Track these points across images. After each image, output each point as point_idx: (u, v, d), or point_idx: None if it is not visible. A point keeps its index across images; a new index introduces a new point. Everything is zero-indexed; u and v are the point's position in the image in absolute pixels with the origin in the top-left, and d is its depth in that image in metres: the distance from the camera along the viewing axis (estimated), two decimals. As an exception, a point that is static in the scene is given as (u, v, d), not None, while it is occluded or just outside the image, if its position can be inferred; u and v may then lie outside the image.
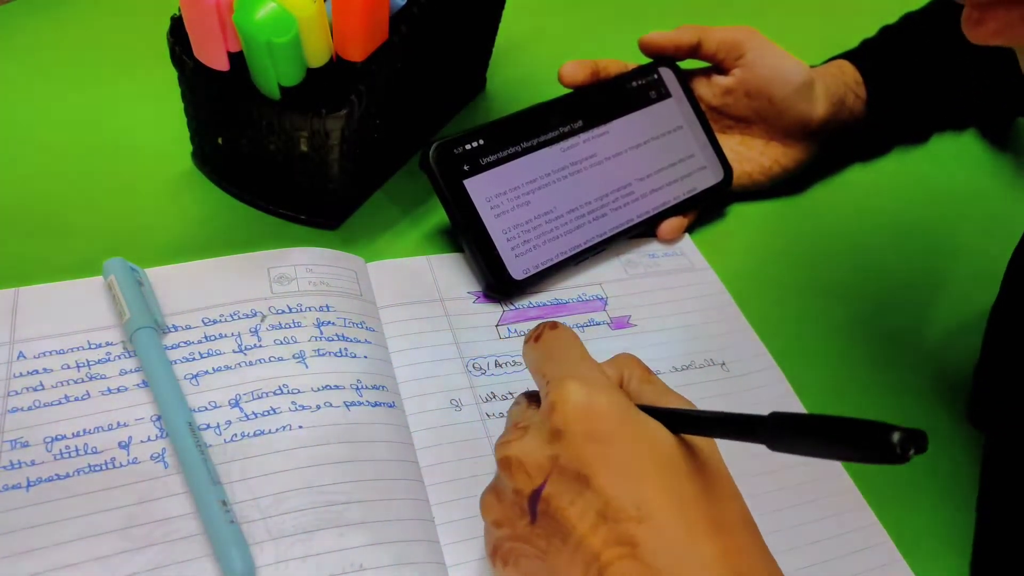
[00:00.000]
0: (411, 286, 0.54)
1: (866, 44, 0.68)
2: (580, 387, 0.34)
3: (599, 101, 0.61)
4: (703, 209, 0.63)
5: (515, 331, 0.53)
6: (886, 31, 0.69)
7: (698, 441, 0.35)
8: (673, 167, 0.62)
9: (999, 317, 0.51)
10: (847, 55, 0.68)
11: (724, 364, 0.53)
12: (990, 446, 0.49)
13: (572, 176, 0.58)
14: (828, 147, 0.66)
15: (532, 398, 0.40)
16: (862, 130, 0.67)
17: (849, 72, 0.65)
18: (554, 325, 0.40)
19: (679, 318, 0.56)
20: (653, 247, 0.61)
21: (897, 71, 0.66)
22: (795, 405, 0.52)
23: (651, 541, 0.31)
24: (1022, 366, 0.48)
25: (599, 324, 0.55)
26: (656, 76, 0.63)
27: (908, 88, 0.66)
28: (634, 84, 0.62)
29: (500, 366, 0.51)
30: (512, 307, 0.54)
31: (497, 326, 0.53)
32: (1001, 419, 0.49)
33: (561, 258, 0.56)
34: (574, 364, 0.37)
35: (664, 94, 0.63)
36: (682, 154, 0.62)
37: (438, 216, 0.59)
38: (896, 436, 0.26)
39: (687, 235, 0.62)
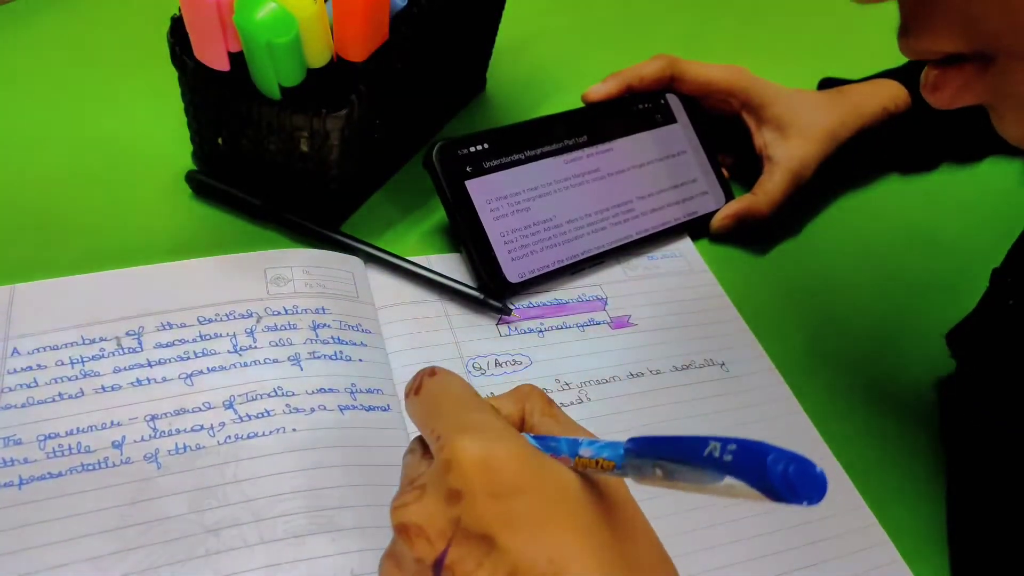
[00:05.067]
0: (410, 286, 0.54)
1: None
2: (474, 441, 0.31)
3: (605, 119, 0.61)
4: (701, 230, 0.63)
5: (515, 330, 0.53)
6: None
7: (605, 479, 0.33)
8: (675, 189, 0.62)
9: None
10: (892, 73, 0.66)
11: (724, 364, 0.53)
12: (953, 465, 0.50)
13: (574, 188, 0.58)
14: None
15: (427, 446, 0.36)
16: (901, 144, 0.66)
17: (886, 92, 0.64)
18: (432, 372, 0.36)
19: (679, 318, 0.56)
20: (652, 249, 0.60)
21: None
22: (794, 406, 0.52)
23: None
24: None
25: (599, 324, 0.54)
26: (663, 101, 0.64)
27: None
28: (640, 107, 0.62)
29: (500, 365, 0.51)
30: (513, 306, 0.54)
31: (497, 325, 0.53)
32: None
33: (557, 266, 0.56)
34: (463, 413, 0.34)
35: (669, 119, 0.63)
36: (684, 178, 0.63)
37: (438, 216, 0.59)
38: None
39: (687, 237, 0.62)
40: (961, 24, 0.31)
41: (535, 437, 0.34)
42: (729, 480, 0.25)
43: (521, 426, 0.36)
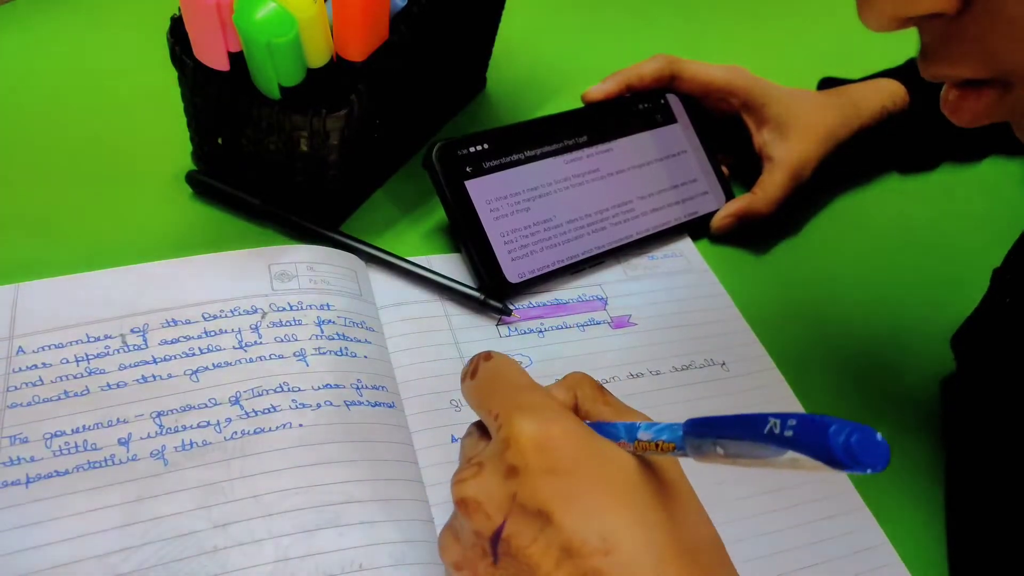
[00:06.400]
0: (410, 286, 0.54)
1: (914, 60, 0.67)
2: (532, 420, 0.33)
3: (605, 119, 0.61)
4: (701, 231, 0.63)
5: (515, 330, 0.53)
6: None
7: (660, 460, 0.34)
8: (675, 189, 0.62)
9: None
10: (892, 73, 0.67)
11: (724, 364, 0.53)
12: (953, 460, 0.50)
13: (574, 188, 0.58)
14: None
15: (484, 429, 0.38)
16: (900, 143, 0.67)
17: (886, 91, 0.65)
18: (488, 356, 0.38)
19: (679, 317, 0.56)
20: (652, 249, 0.61)
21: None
22: (795, 406, 0.52)
23: (619, 573, 0.30)
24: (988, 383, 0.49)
25: (599, 323, 0.55)
26: (663, 101, 0.64)
27: None
28: (640, 107, 0.63)
29: (500, 366, 0.51)
30: (513, 306, 0.54)
31: (497, 325, 0.53)
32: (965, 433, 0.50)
33: (558, 266, 0.56)
34: (520, 394, 0.35)
35: (669, 118, 0.64)
36: (685, 178, 0.63)
37: (438, 216, 0.59)
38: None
39: (687, 237, 0.62)
40: (980, 55, 0.32)
41: (592, 424, 0.36)
42: (791, 454, 0.25)
43: (574, 413, 0.37)
